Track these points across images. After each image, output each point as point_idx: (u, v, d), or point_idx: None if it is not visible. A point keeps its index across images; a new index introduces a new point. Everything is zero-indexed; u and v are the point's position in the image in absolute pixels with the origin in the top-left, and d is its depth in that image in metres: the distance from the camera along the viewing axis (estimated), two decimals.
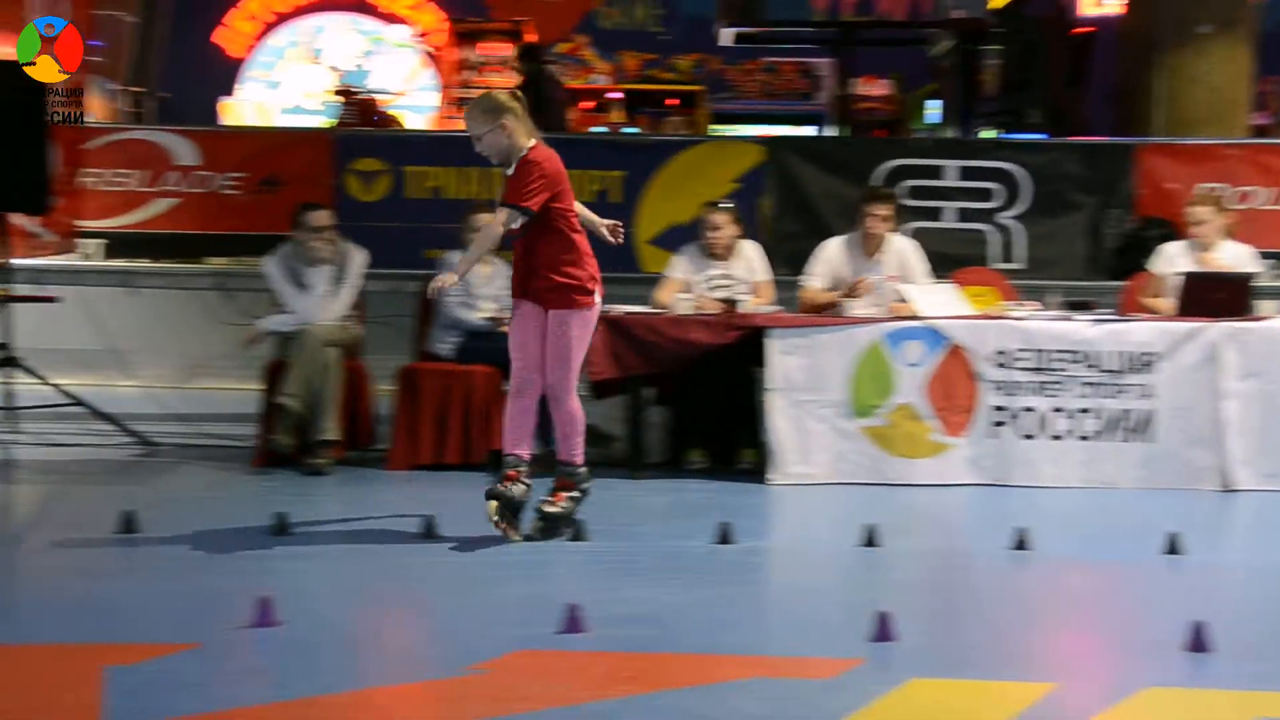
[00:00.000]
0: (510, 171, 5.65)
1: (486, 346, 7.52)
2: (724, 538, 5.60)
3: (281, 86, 15.13)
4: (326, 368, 7.22)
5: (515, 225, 5.63)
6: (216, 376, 9.61)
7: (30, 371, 8.19)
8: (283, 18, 15.24)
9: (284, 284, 7.52)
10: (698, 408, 7.55)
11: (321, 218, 7.61)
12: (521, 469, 5.71)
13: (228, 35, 15.14)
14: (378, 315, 8.20)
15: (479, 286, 7.67)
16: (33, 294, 8.72)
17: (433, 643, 4.22)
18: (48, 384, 8.16)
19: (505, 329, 7.55)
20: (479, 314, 7.62)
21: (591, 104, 13.99)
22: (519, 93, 5.79)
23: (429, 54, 15.06)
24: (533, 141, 5.63)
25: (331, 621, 4.44)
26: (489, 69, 13.56)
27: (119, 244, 10.41)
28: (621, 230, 5.97)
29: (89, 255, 10.35)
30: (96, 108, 11.77)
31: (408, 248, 9.53)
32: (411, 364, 7.65)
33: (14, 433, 8.09)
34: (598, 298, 5.75)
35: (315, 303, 7.46)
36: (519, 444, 5.73)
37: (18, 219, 8.72)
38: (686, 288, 7.54)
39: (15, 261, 8.60)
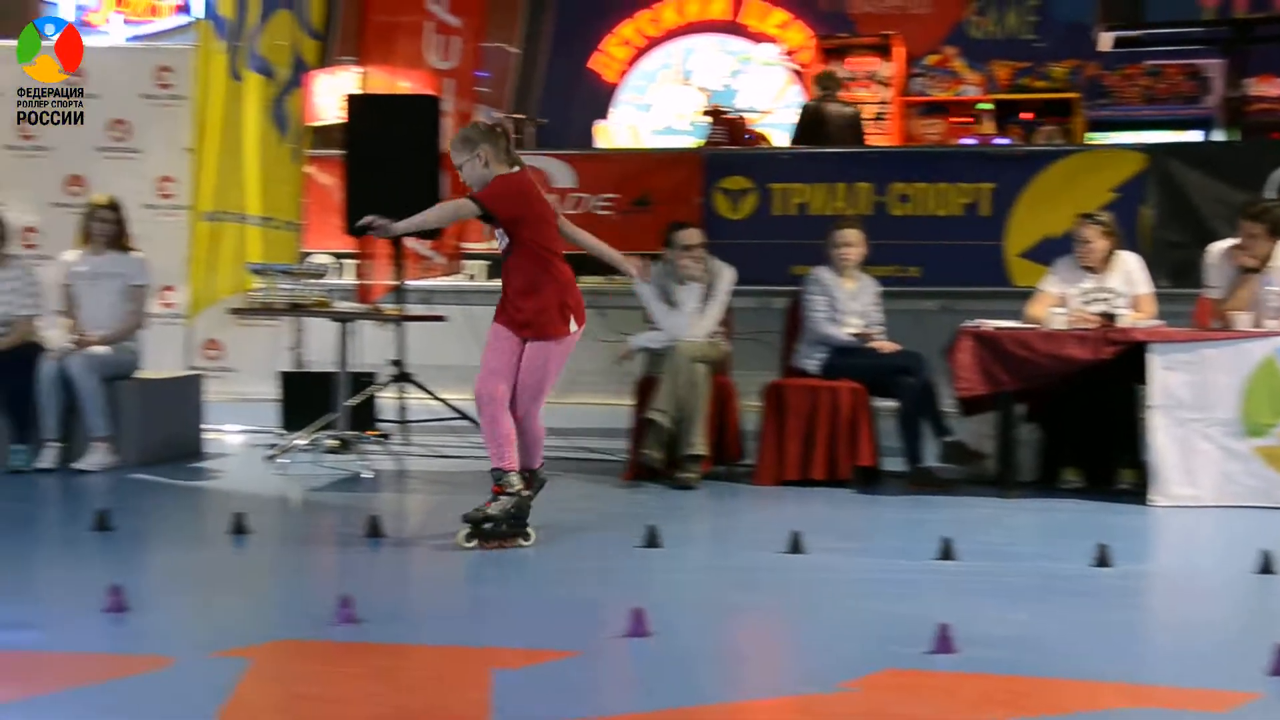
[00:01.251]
0: None
1: (853, 362, 7.50)
2: (1102, 560, 5.38)
3: (653, 108, 15.51)
4: (695, 384, 7.34)
5: (500, 245, 5.76)
6: (590, 392, 9.93)
7: (421, 387, 8.69)
8: (655, 42, 15.61)
9: (655, 301, 7.70)
10: (1072, 425, 7.28)
11: (691, 236, 7.76)
12: (506, 481, 5.75)
13: (603, 61, 15.63)
14: (745, 331, 8.30)
15: (845, 302, 7.66)
16: (424, 313, 9.26)
17: (801, 658, 4.22)
18: (436, 398, 8.63)
19: (872, 344, 7.55)
20: (846, 330, 7.60)
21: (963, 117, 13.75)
22: (503, 124, 5.86)
23: (796, 71, 15.12)
24: (515, 169, 5.69)
25: (701, 633, 4.50)
26: (857, 84, 13.50)
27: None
28: (649, 268, 5.79)
29: (473, 276, 10.90)
30: None
31: (774, 264, 9.62)
32: (778, 380, 7.70)
33: (406, 444, 8.61)
34: (573, 326, 5.69)
35: (685, 320, 7.61)
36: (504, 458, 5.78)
37: (411, 243, 9.26)
38: (1061, 301, 7.29)
39: (408, 283, 9.14)
